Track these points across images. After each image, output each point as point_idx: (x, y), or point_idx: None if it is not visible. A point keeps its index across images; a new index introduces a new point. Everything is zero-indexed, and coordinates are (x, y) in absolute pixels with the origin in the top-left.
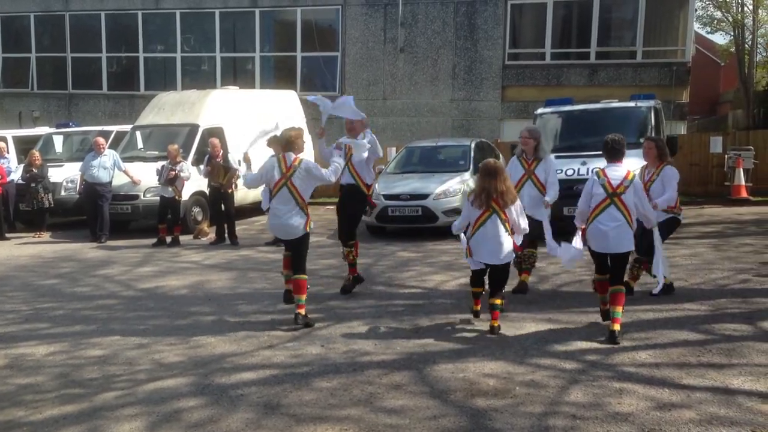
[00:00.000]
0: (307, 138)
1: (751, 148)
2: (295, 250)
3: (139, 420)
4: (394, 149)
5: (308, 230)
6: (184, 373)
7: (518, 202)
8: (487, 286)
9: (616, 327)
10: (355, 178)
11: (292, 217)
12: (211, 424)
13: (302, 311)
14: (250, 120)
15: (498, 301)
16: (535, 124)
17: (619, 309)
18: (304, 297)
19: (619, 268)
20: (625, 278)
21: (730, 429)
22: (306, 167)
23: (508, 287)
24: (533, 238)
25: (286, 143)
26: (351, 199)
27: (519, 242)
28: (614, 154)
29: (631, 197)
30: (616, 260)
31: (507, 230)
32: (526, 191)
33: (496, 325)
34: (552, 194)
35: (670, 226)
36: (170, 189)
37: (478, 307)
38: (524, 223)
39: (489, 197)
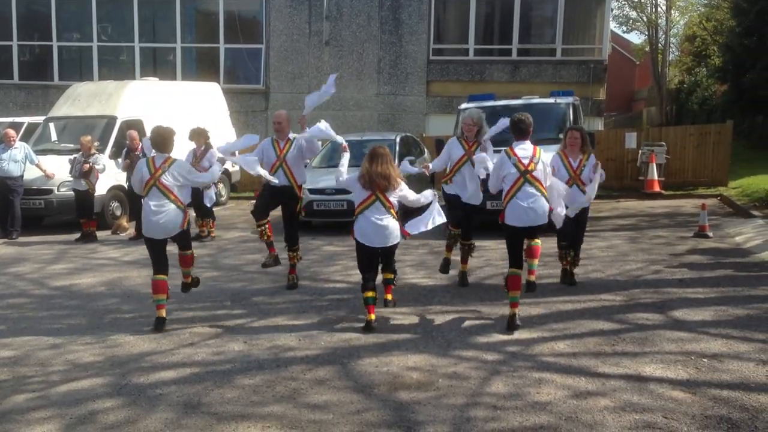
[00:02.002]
0: (231, 130)
1: (664, 144)
2: (177, 242)
3: (51, 423)
4: (319, 143)
5: (185, 228)
6: (101, 374)
7: (401, 187)
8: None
9: (533, 278)
10: (290, 179)
11: (168, 214)
12: (128, 425)
13: (189, 280)
14: (171, 112)
15: (390, 276)
16: (458, 119)
17: (536, 261)
18: (191, 269)
19: (535, 232)
20: (568, 269)
21: (642, 415)
22: (179, 169)
23: (447, 281)
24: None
25: (157, 144)
26: (287, 200)
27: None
28: (521, 132)
29: (542, 171)
30: (533, 230)
31: (391, 215)
32: (465, 172)
33: (389, 298)
34: (480, 169)
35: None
36: (83, 182)
37: (373, 316)
38: (413, 197)
39: (372, 181)
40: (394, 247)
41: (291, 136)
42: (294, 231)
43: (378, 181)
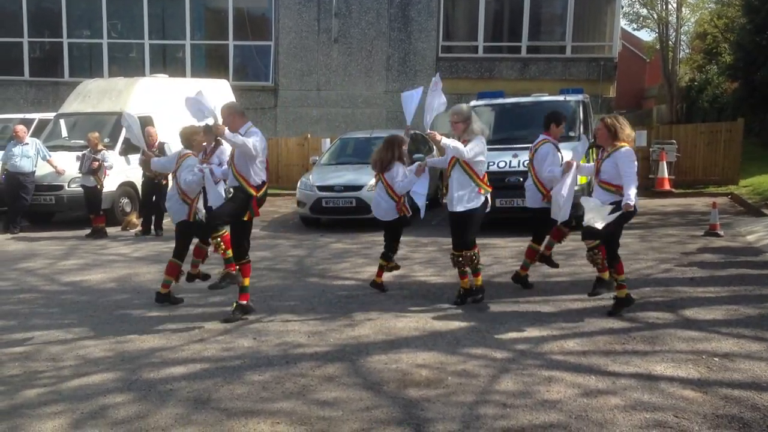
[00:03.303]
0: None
1: (674, 141)
2: (193, 232)
3: (62, 417)
4: (328, 140)
5: (191, 219)
6: (111, 369)
7: (395, 170)
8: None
9: (524, 273)
10: (238, 178)
11: (175, 203)
12: (139, 420)
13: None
14: (181, 109)
15: (383, 263)
16: None
17: (528, 261)
18: (171, 279)
19: (536, 222)
20: (596, 274)
21: (653, 414)
22: (184, 166)
23: (456, 279)
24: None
25: (183, 140)
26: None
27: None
28: (543, 125)
29: (535, 160)
30: (539, 213)
31: (389, 194)
32: (455, 176)
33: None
34: (452, 152)
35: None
36: (92, 178)
37: (378, 279)
38: (399, 184)
39: (376, 165)
40: (395, 222)
41: (241, 131)
42: (242, 241)
43: (377, 163)
